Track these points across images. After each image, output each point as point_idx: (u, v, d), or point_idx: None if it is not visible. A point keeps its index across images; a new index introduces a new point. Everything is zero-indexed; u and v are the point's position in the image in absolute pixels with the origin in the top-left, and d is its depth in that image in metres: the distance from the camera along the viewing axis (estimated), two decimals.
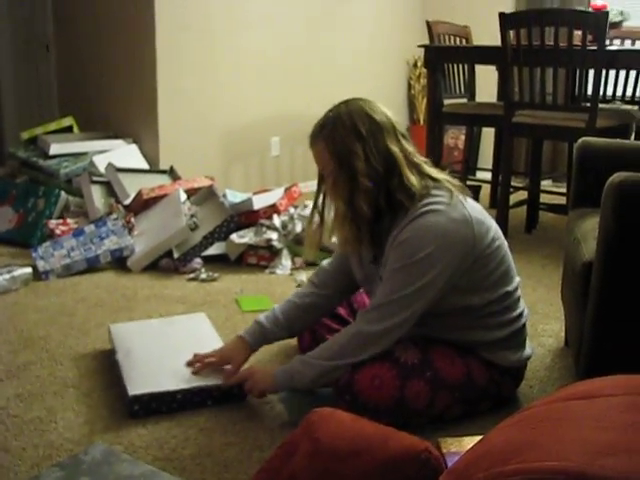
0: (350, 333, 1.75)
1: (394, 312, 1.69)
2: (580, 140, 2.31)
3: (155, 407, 1.83)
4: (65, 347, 2.26)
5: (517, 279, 1.86)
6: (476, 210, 1.75)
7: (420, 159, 1.78)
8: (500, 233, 1.81)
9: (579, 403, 0.60)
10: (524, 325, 1.88)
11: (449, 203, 1.69)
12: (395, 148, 1.72)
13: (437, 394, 1.74)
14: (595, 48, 3.15)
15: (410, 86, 5.62)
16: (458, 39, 4.25)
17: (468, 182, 4.13)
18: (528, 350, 1.91)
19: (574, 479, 0.51)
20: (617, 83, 4.05)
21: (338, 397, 1.72)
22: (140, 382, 1.86)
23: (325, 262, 2.05)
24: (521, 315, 1.86)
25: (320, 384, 1.80)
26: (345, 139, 1.71)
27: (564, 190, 4.34)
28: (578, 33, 3.23)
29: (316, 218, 1.90)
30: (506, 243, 1.83)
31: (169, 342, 2.10)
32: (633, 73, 3.92)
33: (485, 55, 3.82)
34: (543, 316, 2.57)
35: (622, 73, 3.96)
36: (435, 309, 1.73)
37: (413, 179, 1.72)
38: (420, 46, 3.99)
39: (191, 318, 2.36)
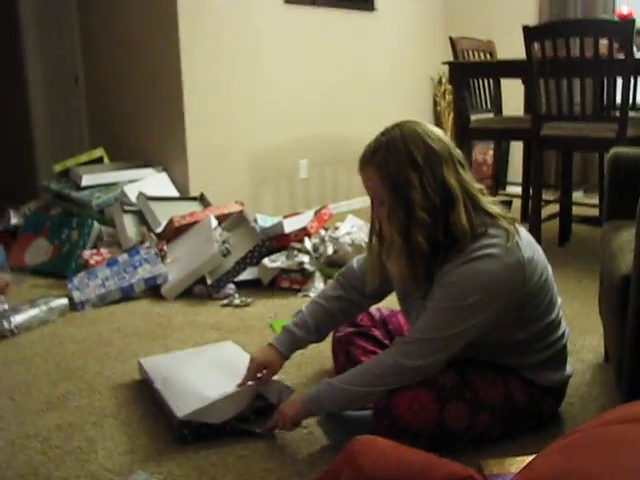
0: (385, 363, 1.70)
1: (432, 351, 1.66)
2: (612, 151, 2.28)
3: (204, 432, 1.84)
4: (103, 377, 2.27)
5: (559, 302, 1.82)
6: (527, 246, 1.67)
7: (476, 188, 1.70)
8: (545, 261, 1.75)
9: (626, 427, 0.58)
10: (565, 345, 1.85)
11: (505, 247, 1.62)
12: (453, 180, 1.63)
13: (477, 415, 1.71)
14: (622, 57, 3.12)
15: (436, 103, 5.62)
16: (482, 54, 4.24)
17: (499, 197, 4.10)
18: (569, 369, 1.88)
19: None
20: None
21: (377, 421, 1.70)
22: (187, 406, 1.86)
23: (355, 261, 2.00)
24: (562, 336, 1.83)
25: (349, 409, 1.78)
26: (400, 168, 1.62)
27: (596, 201, 4.29)
28: (604, 42, 3.20)
29: (374, 243, 1.81)
30: (550, 269, 1.77)
31: (204, 369, 2.10)
32: None
33: (510, 69, 3.81)
34: (581, 331, 2.53)
35: None
36: (475, 341, 1.70)
37: (470, 215, 1.64)
38: (444, 63, 3.99)
39: (220, 345, 2.37)
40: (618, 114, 3.21)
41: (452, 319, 1.63)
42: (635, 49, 3.15)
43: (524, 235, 1.70)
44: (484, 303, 1.62)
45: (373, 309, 2.12)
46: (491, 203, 1.72)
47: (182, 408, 1.85)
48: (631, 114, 3.31)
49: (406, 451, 1.16)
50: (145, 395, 2.12)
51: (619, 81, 3.23)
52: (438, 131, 1.69)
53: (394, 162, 1.62)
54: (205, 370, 2.08)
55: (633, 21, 3.13)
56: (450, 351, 1.67)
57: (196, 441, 1.83)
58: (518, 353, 1.77)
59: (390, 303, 2.07)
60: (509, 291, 1.64)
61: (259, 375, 1.89)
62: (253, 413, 1.88)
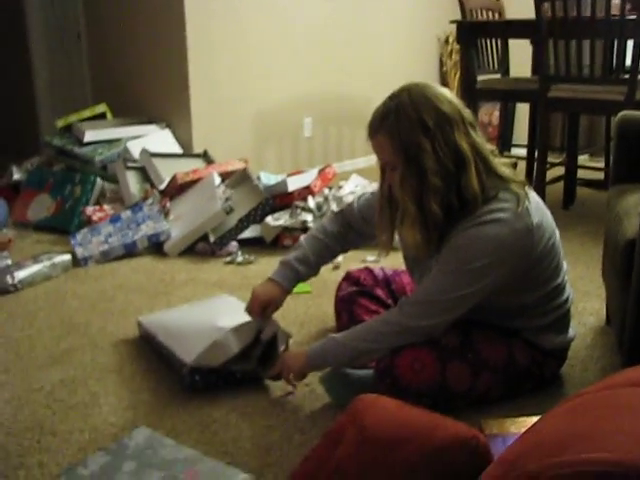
0: (390, 322, 1.71)
1: (436, 313, 1.66)
2: (620, 114, 2.26)
3: (214, 379, 1.87)
4: (106, 333, 2.29)
5: (565, 266, 1.82)
6: (536, 211, 1.66)
7: (487, 150, 1.68)
8: (553, 225, 1.74)
9: (631, 391, 0.59)
10: (569, 309, 1.85)
11: (515, 212, 1.60)
12: (464, 143, 1.61)
13: (479, 376, 1.72)
14: (634, 17, 3.07)
15: (442, 63, 5.55)
16: (491, 13, 4.17)
17: (503, 159, 4.07)
18: (571, 332, 1.88)
19: (633, 471, 0.49)
20: None
21: (379, 380, 1.72)
22: (194, 351, 1.87)
23: (355, 202, 1.99)
24: (567, 300, 1.83)
25: (352, 365, 1.80)
26: (411, 134, 1.58)
27: (602, 165, 4.27)
28: (616, 2, 3.15)
29: (385, 209, 1.78)
30: (557, 233, 1.76)
31: (205, 318, 2.11)
32: None
33: (519, 29, 3.75)
34: (583, 294, 2.53)
35: None
36: (481, 304, 1.69)
37: (482, 178, 1.63)
38: (452, 22, 3.93)
39: (218, 298, 2.39)
40: (628, 77, 3.18)
41: (458, 282, 1.63)
42: None
43: (534, 199, 1.69)
44: (491, 267, 1.61)
45: (376, 268, 2.13)
46: (502, 165, 1.70)
47: (189, 354, 1.87)
48: None
49: (410, 411, 1.17)
50: (148, 351, 2.13)
51: (630, 43, 3.18)
52: (447, 92, 1.65)
53: (405, 128, 1.59)
54: (206, 319, 2.10)
55: None
56: (455, 313, 1.67)
57: (207, 390, 1.85)
58: (523, 316, 1.77)
59: (394, 263, 2.07)
60: (516, 257, 1.63)
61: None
62: (257, 361, 1.89)
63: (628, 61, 3.23)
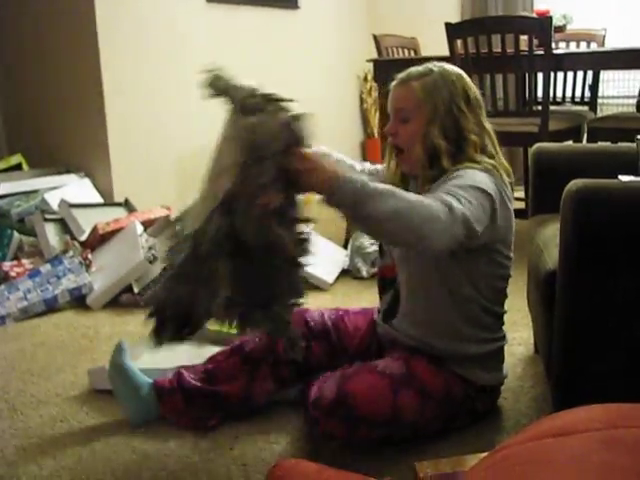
0: (434, 200, 1.50)
1: (461, 203, 1.51)
2: (535, 147, 2.32)
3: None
4: (26, 395, 2.18)
5: (505, 308, 1.90)
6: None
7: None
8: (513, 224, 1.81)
9: (555, 442, 0.57)
10: (502, 348, 1.89)
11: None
12: (489, 126, 1.78)
13: (425, 404, 1.72)
14: (542, 52, 3.18)
15: (362, 100, 5.63)
16: (406, 51, 4.26)
17: None
18: (504, 371, 1.92)
19: None
20: (566, 85, 4.10)
21: (327, 415, 1.65)
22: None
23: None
24: (503, 338, 1.89)
25: (380, 226, 1.47)
26: (454, 96, 1.71)
27: (522, 195, 4.36)
28: (524, 38, 3.25)
29: (392, 164, 1.87)
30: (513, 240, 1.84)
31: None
32: (580, 74, 3.97)
33: None
34: (511, 324, 2.54)
35: (570, 75, 4.01)
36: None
37: (504, 163, 1.81)
38: (369, 61, 3.99)
39: None
40: (540, 108, 3.27)
41: (463, 190, 1.56)
42: (553, 45, 3.22)
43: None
44: (484, 195, 1.60)
45: (315, 313, 1.97)
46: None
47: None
48: (553, 108, 3.38)
49: (331, 474, 1.13)
50: (71, 412, 2.04)
51: (540, 76, 3.29)
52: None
53: (448, 89, 1.71)
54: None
55: (550, 18, 3.19)
56: (469, 221, 1.51)
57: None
58: (474, 313, 1.80)
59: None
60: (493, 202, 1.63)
61: None
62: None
63: (540, 93, 3.33)
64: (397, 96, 1.78)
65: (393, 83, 1.81)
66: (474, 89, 1.77)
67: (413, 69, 1.78)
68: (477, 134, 1.73)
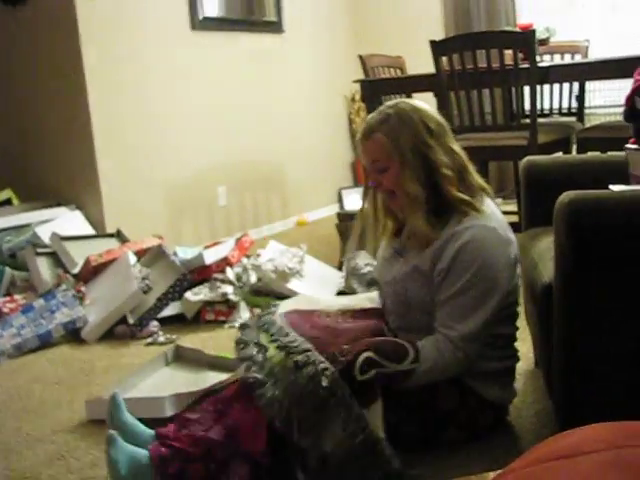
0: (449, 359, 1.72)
1: (473, 329, 1.72)
2: (524, 160, 2.31)
3: None
4: (21, 434, 2.14)
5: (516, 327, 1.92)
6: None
7: (467, 161, 1.84)
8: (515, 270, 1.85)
9: (560, 465, 0.55)
10: (514, 366, 1.92)
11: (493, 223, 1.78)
12: (457, 148, 1.80)
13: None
14: (527, 66, 3.19)
15: (351, 121, 5.64)
16: (393, 70, 4.28)
17: None
18: (514, 390, 1.94)
19: None
20: (552, 96, 4.11)
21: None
22: None
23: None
24: (515, 356, 1.92)
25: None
26: (417, 133, 1.73)
27: (515, 208, 4.36)
28: (509, 53, 3.27)
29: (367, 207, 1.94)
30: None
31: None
32: (566, 85, 3.99)
33: (420, 83, 3.83)
34: None
35: (556, 86, 4.03)
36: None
37: (478, 181, 1.82)
38: (355, 81, 4.00)
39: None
40: (528, 121, 3.28)
41: (474, 300, 1.71)
42: (538, 58, 3.23)
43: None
44: (498, 278, 1.72)
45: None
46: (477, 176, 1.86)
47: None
48: (541, 120, 3.39)
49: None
50: (69, 450, 2.00)
51: (526, 90, 3.30)
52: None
53: (409, 128, 1.73)
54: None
55: (534, 31, 3.21)
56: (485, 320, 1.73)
57: None
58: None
59: None
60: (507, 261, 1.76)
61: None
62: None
63: (527, 106, 3.34)
64: (367, 150, 1.82)
65: (358, 137, 1.85)
66: (434, 116, 1.79)
67: (371, 118, 1.81)
68: (449, 165, 1.75)
